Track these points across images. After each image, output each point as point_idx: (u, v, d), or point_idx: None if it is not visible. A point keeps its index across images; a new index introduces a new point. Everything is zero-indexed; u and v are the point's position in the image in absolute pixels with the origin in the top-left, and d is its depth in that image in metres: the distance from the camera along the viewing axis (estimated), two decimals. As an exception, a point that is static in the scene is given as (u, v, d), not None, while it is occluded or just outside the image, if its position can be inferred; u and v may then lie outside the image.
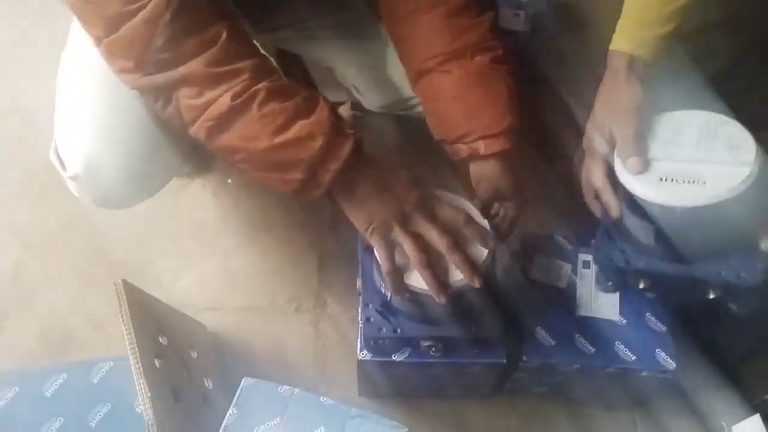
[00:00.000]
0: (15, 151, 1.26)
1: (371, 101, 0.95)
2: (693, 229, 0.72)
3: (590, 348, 0.82)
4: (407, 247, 0.68)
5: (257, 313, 1.10)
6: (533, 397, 0.99)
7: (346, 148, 0.65)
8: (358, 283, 0.82)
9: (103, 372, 0.81)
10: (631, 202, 0.74)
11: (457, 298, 0.71)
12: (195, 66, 0.62)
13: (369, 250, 0.79)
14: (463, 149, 0.77)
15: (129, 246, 1.16)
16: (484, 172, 0.77)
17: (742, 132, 0.72)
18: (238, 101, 0.62)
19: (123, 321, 0.75)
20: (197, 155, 0.92)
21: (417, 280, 0.70)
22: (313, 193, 0.67)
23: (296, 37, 0.95)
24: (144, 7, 0.60)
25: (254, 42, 0.68)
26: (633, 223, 0.77)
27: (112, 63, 0.66)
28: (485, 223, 0.74)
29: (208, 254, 1.16)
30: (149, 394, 0.71)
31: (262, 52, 0.68)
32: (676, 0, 0.71)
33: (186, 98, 0.64)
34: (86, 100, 0.78)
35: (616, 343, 0.82)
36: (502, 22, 1.30)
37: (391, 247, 0.69)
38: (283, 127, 0.63)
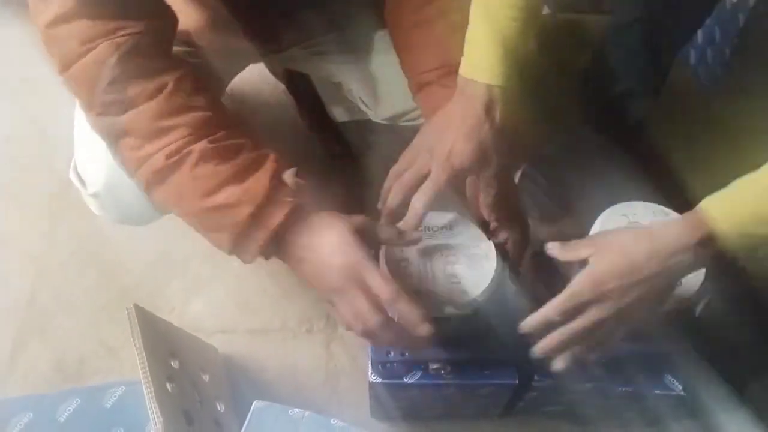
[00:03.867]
0: (32, 176, 1.29)
1: (378, 113, 0.97)
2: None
3: (601, 367, 0.82)
4: (344, 318, 0.65)
5: (268, 335, 1.10)
6: (546, 416, 0.98)
7: (277, 217, 0.63)
8: None
9: (115, 396, 0.82)
10: None
11: (465, 321, 0.71)
12: (138, 116, 0.63)
13: None
14: None
15: (141, 270, 1.17)
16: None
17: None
18: (171, 161, 0.63)
19: (135, 346, 0.75)
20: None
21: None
22: (244, 258, 0.66)
23: (303, 55, 0.97)
24: (95, 48, 0.62)
25: (204, 96, 0.67)
26: None
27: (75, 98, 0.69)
28: (488, 242, 0.74)
29: (219, 277, 1.16)
30: (161, 418, 0.71)
31: (215, 105, 0.68)
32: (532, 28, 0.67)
33: (128, 149, 0.64)
34: None
35: (626, 363, 0.81)
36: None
37: (347, 307, 0.65)
38: (212, 191, 0.63)
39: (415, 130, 0.75)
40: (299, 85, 1.16)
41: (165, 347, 0.83)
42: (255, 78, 1.37)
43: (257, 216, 0.63)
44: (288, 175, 0.66)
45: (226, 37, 0.89)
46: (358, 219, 0.67)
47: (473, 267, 0.72)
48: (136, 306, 0.78)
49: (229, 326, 1.11)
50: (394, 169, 0.73)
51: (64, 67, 0.64)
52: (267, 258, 0.67)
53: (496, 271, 0.71)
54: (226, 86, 1.08)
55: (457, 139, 0.67)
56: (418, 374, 0.80)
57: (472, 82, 0.68)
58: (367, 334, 0.64)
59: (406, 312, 0.63)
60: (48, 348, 1.09)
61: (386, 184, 0.73)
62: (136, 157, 0.64)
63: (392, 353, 0.78)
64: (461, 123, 0.68)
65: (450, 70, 0.75)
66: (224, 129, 0.66)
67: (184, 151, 0.63)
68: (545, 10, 1.32)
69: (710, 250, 0.60)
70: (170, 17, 0.71)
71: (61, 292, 1.15)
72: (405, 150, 0.73)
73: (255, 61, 1.08)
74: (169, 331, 0.88)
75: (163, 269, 1.17)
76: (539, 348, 0.67)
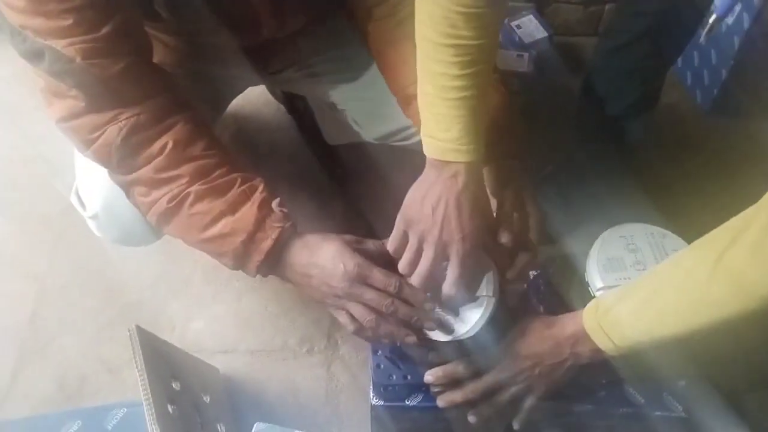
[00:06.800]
0: (34, 198, 1.30)
1: (370, 133, 0.99)
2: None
3: (601, 390, 0.82)
4: (357, 315, 0.71)
5: (269, 355, 1.10)
6: (548, 437, 0.98)
7: (268, 242, 0.71)
8: None
9: (117, 418, 0.82)
10: None
11: (465, 344, 0.72)
12: (144, 172, 0.72)
13: None
14: None
15: (143, 290, 1.18)
16: None
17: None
18: (173, 204, 0.72)
19: (137, 367, 0.76)
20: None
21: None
22: (248, 273, 0.74)
23: (298, 77, 0.99)
24: (103, 134, 0.71)
25: (201, 142, 0.74)
26: None
27: None
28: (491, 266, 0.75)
29: (220, 297, 1.17)
30: (162, 441, 0.71)
31: (216, 148, 0.75)
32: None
33: (139, 195, 0.74)
34: None
35: (625, 385, 0.81)
36: (506, 64, 1.33)
37: (358, 307, 0.72)
38: (210, 225, 0.72)
39: (406, 151, 0.75)
40: (298, 106, 1.18)
41: (166, 369, 0.83)
42: (257, 99, 1.39)
43: (250, 242, 0.71)
44: (274, 205, 0.73)
45: (221, 61, 0.91)
46: (348, 237, 0.74)
47: (471, 285, 0.72)
48: (138, 327, 0.79)
49: (230, 346, 1.11)
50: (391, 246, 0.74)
51: (81, 150, 0.74)
52: (265, 275, 0.75)
53: (490, 313, 0.72)
54: (226, 107, 1.09)
55: (460, 223, 0.69)
56: (420, 397, 0.80)
57: (442, 162, 0.68)
58: (378, 329, 0.71)
59: (412, 295, 0.71)
60: (50, 367, 1.10)
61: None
62: (145, 202, 0.74)
63: (395, 376, 0.78)
64: (452, 205, 0.69)
65: None
66: (220, 168, 0.73)
67: (183, 194, 0.72)
68: (543, 33, 1.34)
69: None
70: (167, 86, 0.75)
71: (63, 312, 1.16)
72: (396, 226, 0.74)
73: (254, 84, 1.09)
74: (170, 353, 0.88)
75: (164, 289, 1.18)
76: (442, 400, 0.75)
